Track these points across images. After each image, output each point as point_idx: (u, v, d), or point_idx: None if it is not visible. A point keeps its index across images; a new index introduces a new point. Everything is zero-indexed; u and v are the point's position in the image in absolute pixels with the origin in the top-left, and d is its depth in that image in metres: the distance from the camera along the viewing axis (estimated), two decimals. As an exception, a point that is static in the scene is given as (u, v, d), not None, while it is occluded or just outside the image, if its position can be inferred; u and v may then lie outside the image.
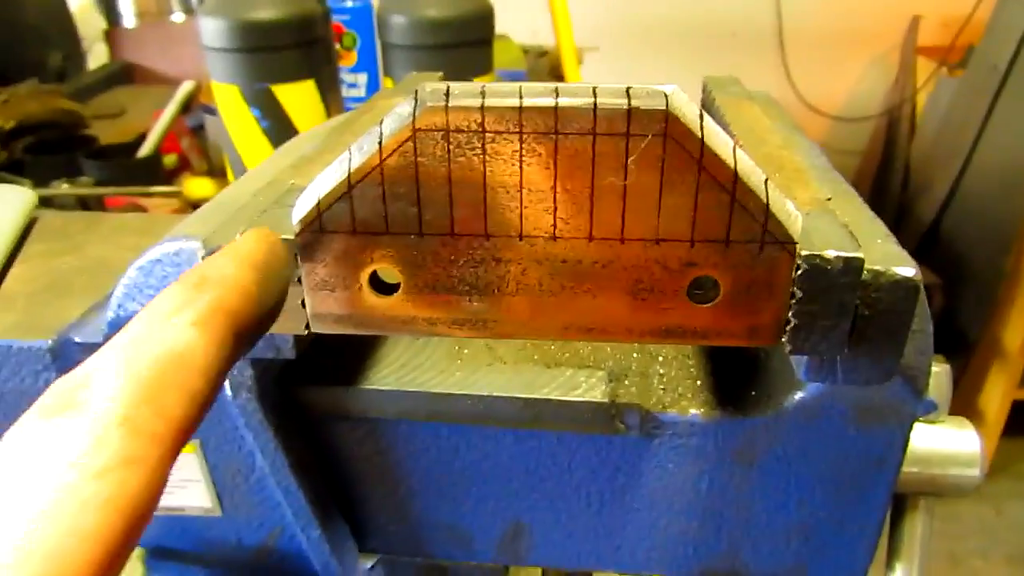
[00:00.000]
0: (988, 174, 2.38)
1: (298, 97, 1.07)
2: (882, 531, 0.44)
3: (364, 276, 0.30)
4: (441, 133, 0.27)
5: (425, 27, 1.08)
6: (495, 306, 0.31)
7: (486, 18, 1.14)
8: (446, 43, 1.09)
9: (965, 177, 2.46)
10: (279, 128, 1.08)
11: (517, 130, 0.27)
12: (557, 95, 0.26)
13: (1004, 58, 2.30)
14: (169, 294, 0.24)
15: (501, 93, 0.27)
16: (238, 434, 0.44)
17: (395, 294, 0.31)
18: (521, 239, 0.29)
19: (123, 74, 1.96)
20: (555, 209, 0.28)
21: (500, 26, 2.07)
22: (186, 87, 1.37)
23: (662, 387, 0.43)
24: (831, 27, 3.02)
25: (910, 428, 0.40)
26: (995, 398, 2.34)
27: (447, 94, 0.27)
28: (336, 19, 1.40)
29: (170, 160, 1.37)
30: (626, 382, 0.43)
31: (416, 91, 0.27)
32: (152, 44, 1.97)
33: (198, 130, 1.48)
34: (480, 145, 0.27)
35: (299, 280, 0.31)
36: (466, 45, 1.10)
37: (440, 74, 0.58)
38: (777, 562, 0.45)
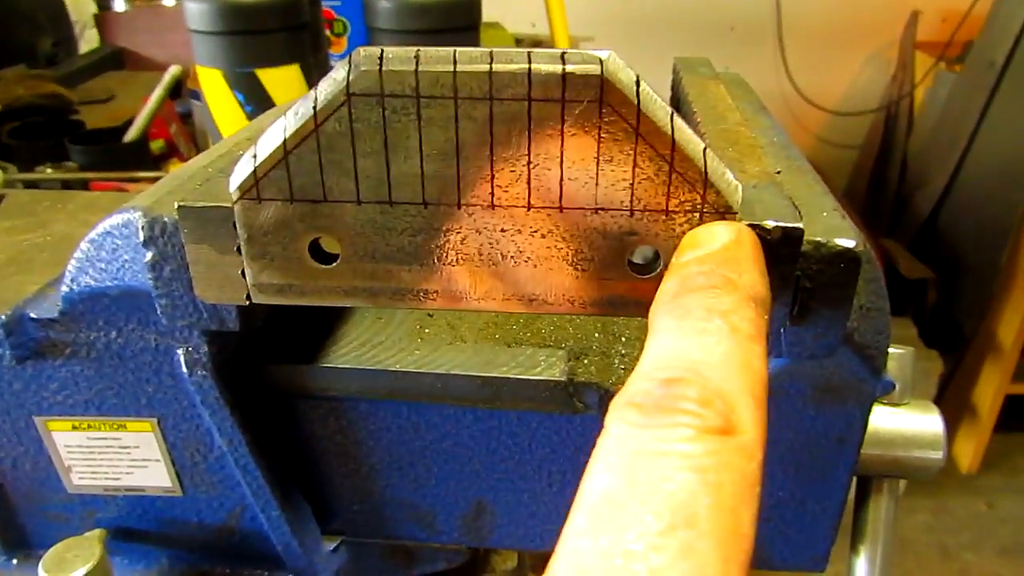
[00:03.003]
0: (985, 169, 2.37)
1: (283, 82, 1.06)
2: (844, 512, 0.44)
3: (304, 245, 0.30)
4: (376, 98, 0.27)
5: (410, 12, 1.08)
6: (435, 276, 0.30)
7: (472, 4, 1.13)
8: (431, 28, 1.08)
9: (962, 172, 2.46)
10: (263, 113, 1.07)
11: (452, 95, 0.26)
12: (492, 60, 0.26)
13: (1001, 54, 2.30)
14: (739, 310, 0.25)
15: (436, 58, 0.26)
16: (196, 412, 0.43)
17: (335, 264, 0.30)
18: (459, 208, 0.28)
19: (114, 59, 1.95)
20: (492, 177, 0.28)
21: (499, 15, 2.06)
22: (172, 72, 1.36)
23: (623, 366, 0.42)
24: (830, 21, 3.00)
25: (870, 408, 0.40)
26: (989, 392, 2.34)
27: (381, 58, 0.26)
28: (327, 5, 1.40)
29: (158, 146, 1.37)
30: (586, 361, 0.42)
31: (350, 56, 0.27)
32: (143, 29, 1.95)
33: (187, 116, 1.48)
34: (416, 111, 0.27)
35: (238, 249, 0.30)
36: (451, 31, 1.10)
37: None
38: None
